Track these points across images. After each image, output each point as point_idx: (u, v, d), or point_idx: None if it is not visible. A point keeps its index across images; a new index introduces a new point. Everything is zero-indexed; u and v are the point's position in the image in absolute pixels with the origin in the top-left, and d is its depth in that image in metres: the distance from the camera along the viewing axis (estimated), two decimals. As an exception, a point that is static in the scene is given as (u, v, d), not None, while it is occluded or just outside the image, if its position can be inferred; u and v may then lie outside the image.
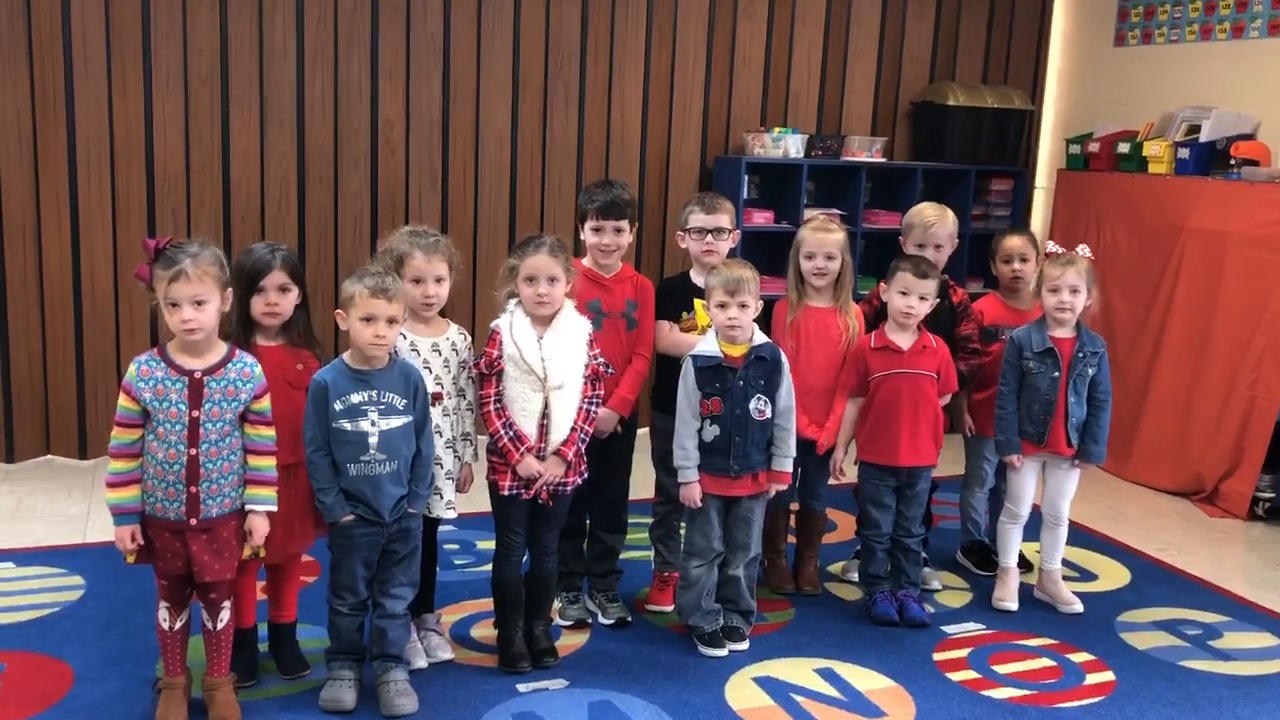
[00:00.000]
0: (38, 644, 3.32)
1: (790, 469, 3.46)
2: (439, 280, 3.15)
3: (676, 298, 3.64)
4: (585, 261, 3.53)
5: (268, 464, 2.86)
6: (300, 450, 2.95)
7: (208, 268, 2.74)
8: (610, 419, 3.47)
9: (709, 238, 3.60)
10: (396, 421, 2.96)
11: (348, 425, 2.92)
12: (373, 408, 2.93)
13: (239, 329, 2.98)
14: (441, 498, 3.20)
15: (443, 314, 3.26)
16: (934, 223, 3.85)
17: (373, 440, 2.92)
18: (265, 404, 2.85)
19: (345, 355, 2.99)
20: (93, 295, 4.98)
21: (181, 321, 2.72)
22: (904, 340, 3.61)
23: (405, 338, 3.11)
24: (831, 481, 3.81)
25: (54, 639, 3.35)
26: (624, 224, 3.50)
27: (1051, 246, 3.77)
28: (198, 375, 2.76)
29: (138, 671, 3.15)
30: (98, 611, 3.54)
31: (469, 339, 3.28)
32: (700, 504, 3.38)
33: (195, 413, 2.75)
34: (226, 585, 2.89)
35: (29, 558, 3.97)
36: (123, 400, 2.76)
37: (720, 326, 3.36)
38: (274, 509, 2.88)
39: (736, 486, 3.39)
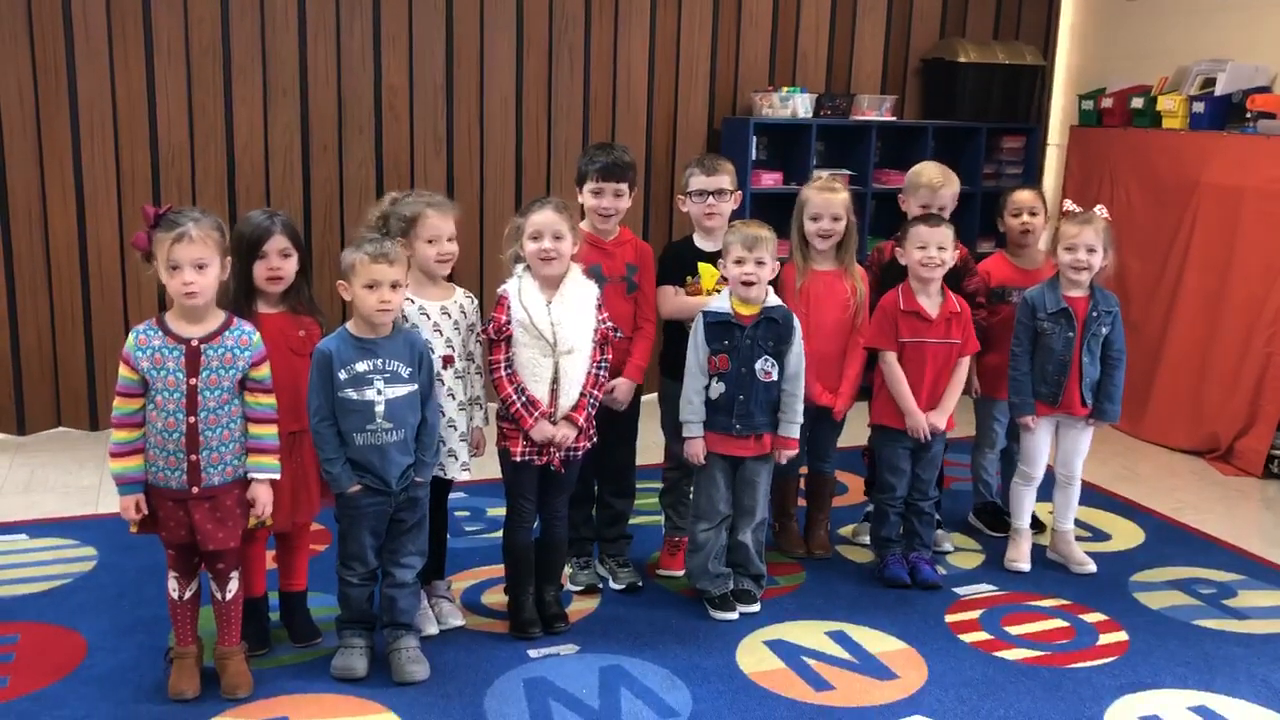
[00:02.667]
0: (51, 615, 3.33)
1: (798, 435, 3.43)
2: (451, 239, 3.14)
3: (681, 262, 3.61)
4: (584, 225, 3.49)
5: (269, 432, 2.85)
6: (303, 418, 2.94)
7: (210, 231, 2.73)
8: (629, 388, 3.45)
9: (710, 199, 3.56)
10: (402, 390, 2.94)
11: (353, 394, 2.90)
12: (378, 376, 2.91)
13: (240, 297, 2.97)
14: (456, 459, 3.19)
15: (449, 279, 3.25)
16: (940, 185, 3.79)
17: (379, 409, 2.91)
18: (264, 371, 2.83)
19: (349, 324, 2.97)
20: (99, 268, 4.98)
21: (183, 284, 2.70)
22: (932, 306, 3.57)
23: (413, 302, 3.09)
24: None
25: (67, 610, 3.37)
26: (624, 187, 3.46)
27: (1069, 205, 3.72)
28: (194, 343, 2.75)
29: (150, 641, 3.17)
30: (110, 582, 3.56)
31: (475, 302, 3.26)
32: (704, 461, 3.37)
33: (193, 381, 2.74)
34: (233, 554, 2.89)
35: (42, 529, 3.99)
36: (122, 370, 2.75)
37: (735, 281, 3.32)
38: (276, 476, 2.87)
39: (739, 446, 3.37)
